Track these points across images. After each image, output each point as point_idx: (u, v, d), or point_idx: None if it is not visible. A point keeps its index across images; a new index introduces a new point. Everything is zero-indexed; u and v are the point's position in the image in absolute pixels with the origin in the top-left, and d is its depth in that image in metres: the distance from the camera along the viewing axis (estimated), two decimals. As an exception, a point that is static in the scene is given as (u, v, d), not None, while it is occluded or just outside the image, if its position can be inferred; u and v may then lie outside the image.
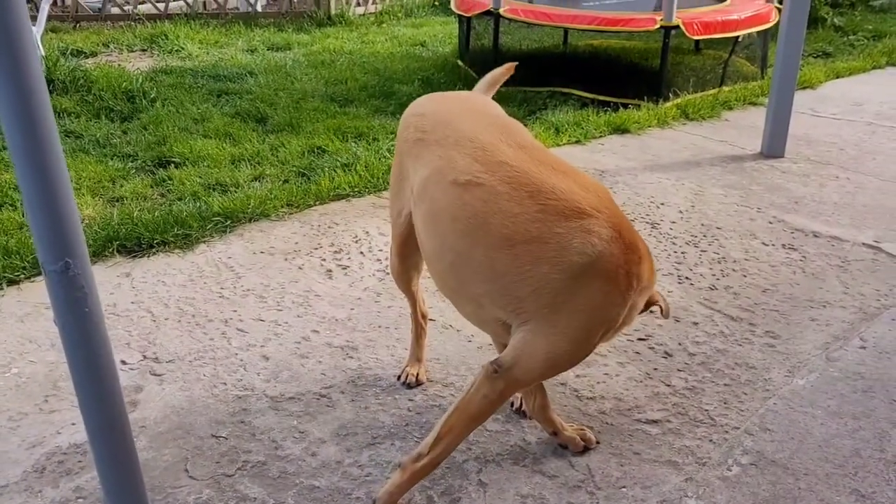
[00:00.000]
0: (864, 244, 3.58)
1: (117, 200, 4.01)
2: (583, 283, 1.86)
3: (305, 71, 6.53)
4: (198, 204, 3.82)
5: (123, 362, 2.68)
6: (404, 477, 2.04)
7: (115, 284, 3.16)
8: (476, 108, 2.30)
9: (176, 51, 7.38)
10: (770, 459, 2.18)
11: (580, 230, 1.88)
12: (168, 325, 2.91)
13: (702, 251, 3.53)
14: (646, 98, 5.67)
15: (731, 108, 5.75)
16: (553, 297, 1.87)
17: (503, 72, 2.63)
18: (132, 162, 4.50)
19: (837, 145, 4.97)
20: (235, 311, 3.00)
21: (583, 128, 5.08)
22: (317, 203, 3.97)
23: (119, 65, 6.59)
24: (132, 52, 7.51)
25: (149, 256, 3.38)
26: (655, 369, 2.69)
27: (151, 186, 4.19)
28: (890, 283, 3.23)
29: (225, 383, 2.59)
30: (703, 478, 2.14)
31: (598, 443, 2.32)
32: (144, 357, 2.72)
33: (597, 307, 1.89)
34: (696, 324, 2.96)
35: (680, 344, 2.83)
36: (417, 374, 2.59)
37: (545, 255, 1.88)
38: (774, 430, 2.30)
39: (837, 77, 6.69)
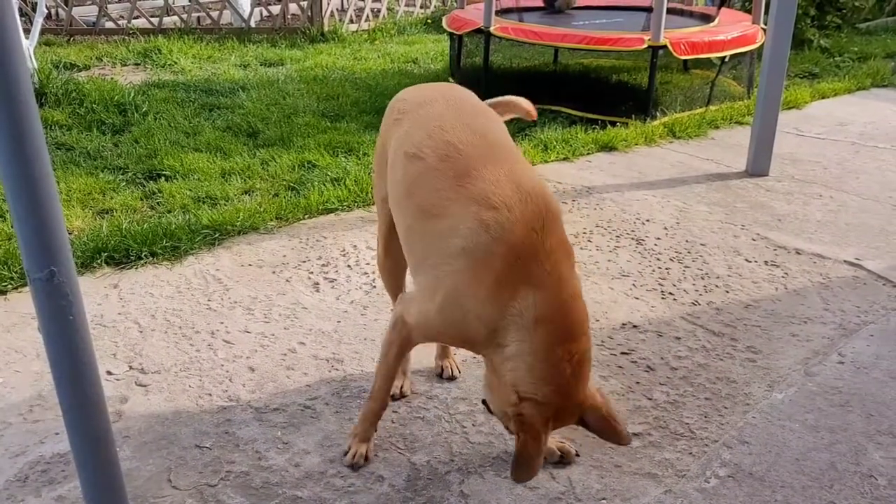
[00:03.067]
0: (845, 261, 3.62)
1: (107, 212, 4.03)
2: (459, 264, 1.98)
3: (298, 86, 6.58)
4: (187, 216, 3.84)
5: (109, 373, 2.70)
6: (361, 419, 2.33)
7: (102, 295, 3.18)
8: (454, 95, 2.41)
9: (169, 65, 7.42)
10: (747, 472, 2.21)
11: (475, 218, 1.99)
12: (155, 336, 2.92)
13: (686, 267, 3.57)
14: (633, 116, 5.73)
15: (717, 127, 5.82)
16: (439, 269, 2.02)
17: (525, 109, 2.73)
18: (122, 174, 4.52)
19: (821, 164, 5.03)
20: (222, 322, 3.02)
21: (571, 145, 5.14)
22: (306, 217, 3.99)
23: (112, 78, 6.62)
24: (125, 65, 7.55)
25: (137, 268, 3.40)
26: (637, 383, 2.72)
27: (141, 199, 4.21)
28: (870, 300, 3.27)
29: (210, 394, 2.61)
30: (682, 489, 2.16)
31: (577, 455, 2.34)
32: (130, 367, 2.73)
33: (461, 292, 1.99)
34: (678, 338, 3.00)
35: (662, 358, 2.86)
36: (402, 387, 2.61)
37: (441, 232, 2.03)
38: (752, 443, 2.33)
39: (823, 98, 6.77)
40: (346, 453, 2.32)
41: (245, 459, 2.32)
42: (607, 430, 2.01)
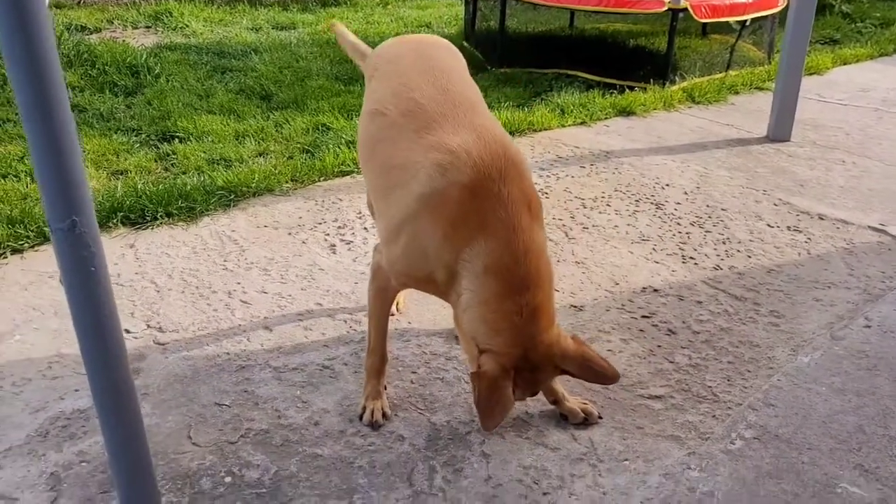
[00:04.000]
0: (869, 227, 3.57)
1: (121, 173, 4.00)
2: (417, 207, 1.99)
3: (310, 50, 6.50)
4: (202, 178, 3.81)
5: (127, 331, 2.68)
6: (367, 376, 2.34)
7: (119, 255, 3.16)
8: (427, 50, 2.42)
9: (180, 28, 7.34)
10: (773, 434, 2.18)
11: (432, 162, 1.99)
12: (172, 295, 2.90)
13: (706, 232, 3.52)
14: (652, 81, 5.64)
15: (737, 93, 5.72)
16: (401, 214, 2.03)
17: None
18: (136, 136, 4.48)
19: (843, 130, 4.95)
20: (239, 283, 3.00)
21: (588, 109, 5.06)
22: (321, 179, 3.95)
23: (123, 41, 6.56)
24: (136, 28, 7.47)
25: (153, 228, 3.38)
26: (659, 346, 2.69)
27: (155, 160, 4.18)
28: (895, 265, 3.22)
29: (228, 353, 2.59)
30: (706, 451, 2.14)
31: (600, 417, 2.32)
32: (148, 326, 2.72)
33: (420, 235, 2.00)
34: (700, 303, 2.96)
35: (684, 322, 2.83)
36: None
37: (402, 180, 2.04)
38: (778, 406, 2.30)
39: (844, 63, 6.66)
40: (361, 415, 2.30)
41: (265, 417, 2.31)
42: (591, 372, 2.01)
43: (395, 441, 2.23)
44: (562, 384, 2.34)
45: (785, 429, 2.20)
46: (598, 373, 2.00)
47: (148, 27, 7.52)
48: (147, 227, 3.38)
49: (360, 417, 2.31)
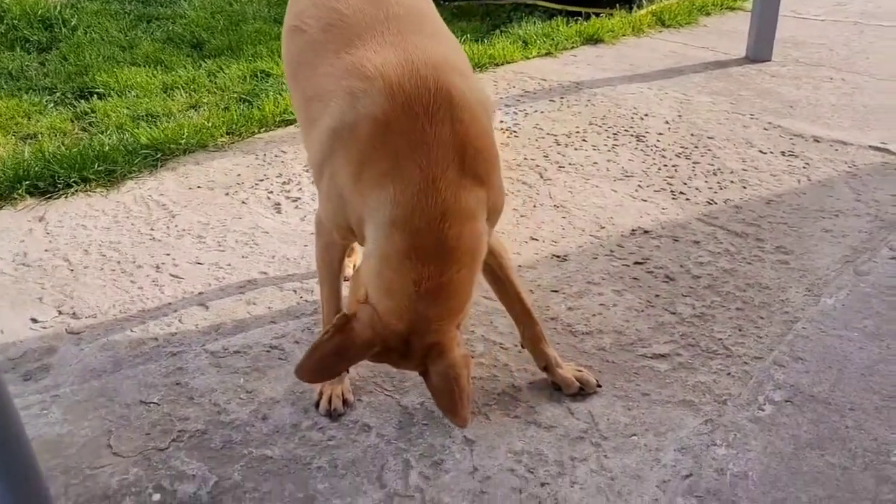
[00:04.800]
0: (870, 147, 3.24)
1: (32, 137, 3.50)
2: (329, 146, 1.67)
3: (245, -8, 5.94)
4: (124, 136, 3.34)
5: (34, 320, 2.26)
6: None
7: (25, 231, 2.71)
8: None
9: (101, -23, 6.69)
10: (808, 394, 1.85)
11: (344, 91, 1.64)
12: (88, 274, 2.48)
13: (694, 163, 3.16)
14: (617, 6, 5.22)
15: (708, 14, 5.34)
16: (321, 157, 1.71)
17: None
18: (50, 95, 3.96)
19: (826, 46, 4.60)
20: (169, 254, 2.58)
21: (553, 39, 4.64)
22: (261, 130, 3.51)
23: (36, -7, 5.93)
24: (53, -19, 6.80)
25: (66, 197, 2.92)
26: (657, 296, 2.35)
27: (71, 120, 3.68)
28: (905, 187, 2.91)
29: (156, 339, 2.19)
30: (733, 420, 1.80)
31: (599, 386, 1.97)
32: (60, 313, 2.30)
33: (334, 176, 1.68)
34: (697, 242, 2.62)
35: (682, 266, 2.49)
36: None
37: (319, 113, 1.72)
38: (808, 360, 1.97)
39: (816, -22, 6.29)
40: (317, 402, 1.93)
41: (201, 415, 1.92)
42: (447, 399, 1.57)
43: (359, 432, 1.87)
44: (557, 351, 1.99)
45: (820, 387, 1.87)
46: (452, 404, 1.56)
47: (65, -22, 6.85)
48: (59, 197, 2.92)
49: (317, 406, 1.93)
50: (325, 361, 1.58)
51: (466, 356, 1.60)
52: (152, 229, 2.72)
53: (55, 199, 2.90)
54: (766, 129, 3.45)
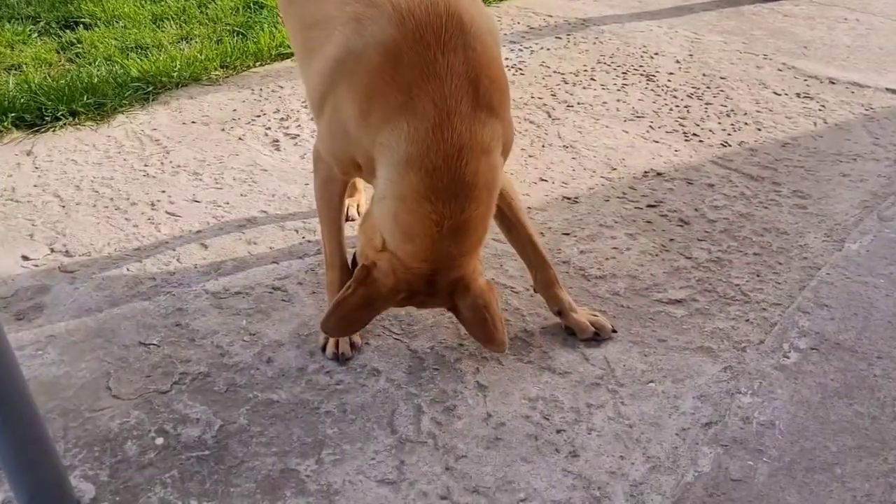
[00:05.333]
0: (887, 89, 3.15)
1: (15, 68, 3.34)
2: (334, 80, 1.59)
3: (236, -79, 5.68)
4: (113, 68, 3.19)
5: (25, 258, 2.17)
6: (329, 296, 1.90)
7: (13, 165, 2.59)
8: None
9: None
10: (834, 342, 1.80)
11: (350, 19, 1.56)
12: (81, 211, 2.38)
13: (707, 104, 3.06)
14: (624, -59, 5.02)
15: (717, -49, 5.15)
16: (322, 89, 1.64)
17: None
18: (33, 24, 3.77)
19: (840, -15, 4.46)
20: (164, 191, 2.48)
21: (557, -26, 4.46)
22: (257, 64, 3.37)
23: (16, -82, 5.65)
24: None
25: (55, 131, 2.79)
26: (672, 240, 2.28)
27: (57, 51, 3.51)
28: (923, 132, 2.83)
29: (154, 279, 2.11)
30: (758, 368, 1.75)
31: (614, 331, 1.91)
32: (52, 251, 2.20)
33: (338, 109, 1.60)
34: (711, 185, 2.53)
35: (696, 209, 2.41)
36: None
37: (319, 41, 1.64)
38: (833, 307, 1.91)
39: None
40: (324, 346, 1.86)
41: (203, 357, 1.85)
42: (481, 328, 1.60)
43: (368, 377, 1.80)
44: (570, 295, 1.93)
45: (846, 334, 1.81)
46: (487, 332, 1.60)
47: None
48: (48, 130, 2.79)
49: (323, 349, 1.87)
50: (352, 315, 1.57)
51: (490, 284, 1.60)
52: (146, 165, 2.61)
53: (43, 132, 2.78)
54: (780, 69, 3.34)
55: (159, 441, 1.64)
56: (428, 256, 1.49)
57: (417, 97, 1.47)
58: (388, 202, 1.53)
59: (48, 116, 2.82)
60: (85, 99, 2.89)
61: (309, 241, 2.26)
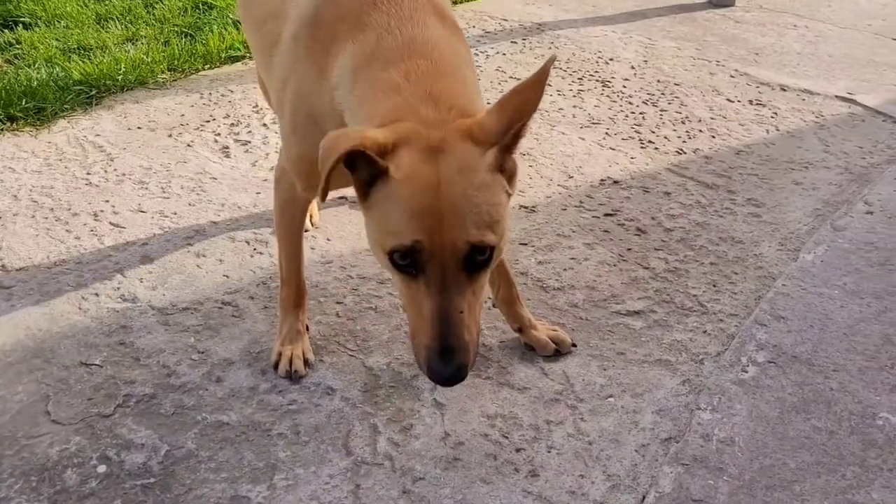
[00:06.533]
0: (836, 97, 3.19)
1: (-51, 69, 3.20)
2: (296, 50, 1.54)
3: (184, -83, 5.54)
4: (53, 70, 3.07)
5: (-42, 274, 2.06)
6: (281, 312, 1.85)
7: (-55, 174, 2.47)
8: None
9: None
10: (791, 355, 1.80)
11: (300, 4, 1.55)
12: (18, 222, 2.27)
13: (662, 111, 3.07)
14: (578, -56, 5.03)
15: (670, -44, 5.19)
16: (284, 75, 1.59)
17: None
18: (-31, 23, 3.63)
19: (789, -8, 4.53)
20: (108, 200, 2.38)
21: (512, -23, 4.44)
22: (206, 67, 3.27)
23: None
24: None
25: (-9, 137, 2.67)
26: (629, 249, 2.26)
27: (-6, 52, 3.37)
28: (872, 139, 2.87)
29: (97, 294, 2.02)
30: (717, 383, 1.74)
31: (574, 346, 1.89)
32: (-13, 265, 2.10)
33: (302, 92, 1.54)
34: (668, 194, 2.53)
35: (653, 218, 2.40)
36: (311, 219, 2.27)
37: (274, 33, 1.63)
38: (789, 319, 1.91)
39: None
40: (276, 363, 1.80)
41: (149, 378, 1.77)
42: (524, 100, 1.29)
43: (322, 396, 1.75)
44: (527, 307, 1.89)
45: (803, 347, 1.81)
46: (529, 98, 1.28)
47: None
48: (-17, 136, 2.67)
49: (276, 367, 1.80)
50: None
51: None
52: (88, 173, 2.51)
53: (-22, 138, 2.65)
54: (732, 76, 3.37)
55: (101, 469, 1.57)
56: (403, 111, 1.33)
57: (367, 21, 1.44)
58: (351, 98, 1.41)
59: (-16, 122, 2.69)
60: (24, 103, 2.77)
61: (260, 254, 2.19)
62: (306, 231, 2.23)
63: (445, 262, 1.24)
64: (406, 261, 1.26)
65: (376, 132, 1.27)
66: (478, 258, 1.27)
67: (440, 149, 1.26)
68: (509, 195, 1.33)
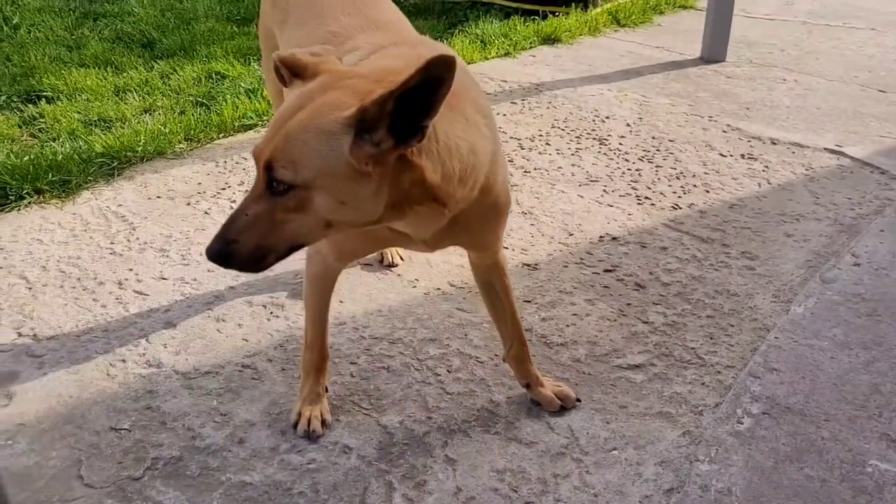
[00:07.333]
0: (825, 149, 3.32)
1: (-23, 145, 3.36)
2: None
3: (195, -12, 5.79)
4: (77, 143, 3.23)
5: (-8, 343, 2.17)
6: (303, 375, 1.94)
7: (-23, 247, 2.60)
8: None
9: (42, -29, 6.45)
10: (783, 406, 1.89)
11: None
12: (48, 292, 2.39)
13: (657, 167, 3.20)
14: (573, 5, 5.24)
15: (662, 13, 5.41)
16: None
17: None
18: (-6, 99, 3.81)
19: (778, 46, 4.70)
20: (131, 269, 2.50)
21: (511, 39, 4.64)
22: (220, 136, 3.43)
23: (-26, -12, 5.69)
24: (-10, -26, 6.54)
25: (19, 210, 2.80)
26: (629, 304, 2.37)
27: (19, 126, 3.54)
28: (861, 190, 2.99)
29: (124, 360, 2.12)
30: (714, 435, 1.83)
31: (578, 401, 1.98)
32: (19, 335, 2.21)
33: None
34: (664, 249, 2.65)
35: (651, 273, 2.51)
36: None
37: None
38: (782, 370, 2.00)
39: (764, -23, 6.42)
40: (295, 423, 1.90)
41: (175, 440, 1.87)
42: None
43: (340, 454, 1.84)
44: (536, 365, 1.99)
45: (795, 398, 1.91)
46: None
47: (4, -28, 6.59)
48: (12, 209, 2.80)
49: (295, 427, 1.90)
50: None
51: None
52: (112, 243, 2.64)
53: (7, 212, 2.79)
54: (724, 131, 3.51)
55: (133, 530, 1.66)
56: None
57: None
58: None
59: (13, 195, 2.83)
60: (49, 176, 2.91)
61: (277, 317, 2.30)
62: (394, 266, 2.48)
63: (259, 172, 1.38)
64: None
65: (306, 56, 1.45)
66: (273, 184, 1.35)
67: (328, 86, 1.38)
68: (355, 167, 1.32)
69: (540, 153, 3.30)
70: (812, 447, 1.75)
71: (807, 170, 3.15)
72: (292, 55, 1.45)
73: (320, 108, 1.34)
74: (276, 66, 1.46)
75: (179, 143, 3.32)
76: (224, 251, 1.41)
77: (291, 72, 1.43)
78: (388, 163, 1.35)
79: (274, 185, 1.35)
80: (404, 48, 1.65)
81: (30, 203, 2.84)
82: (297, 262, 2.49)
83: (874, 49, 4.70)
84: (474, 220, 1.62)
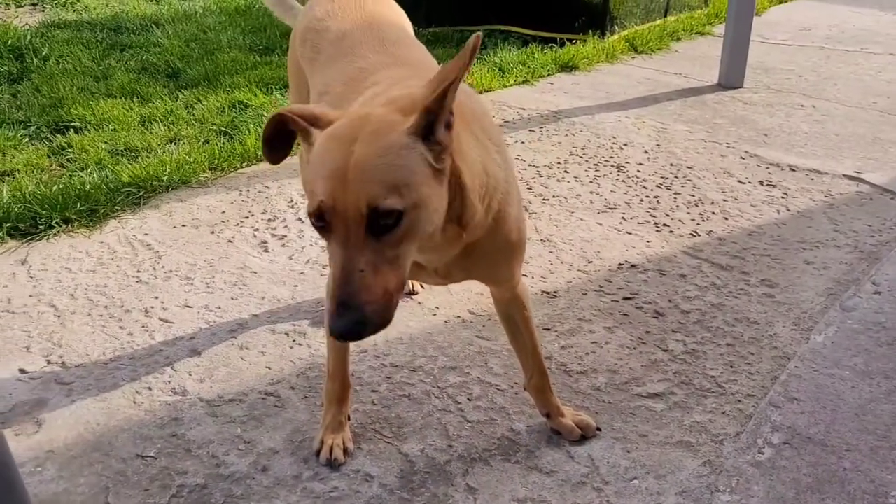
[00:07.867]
0: (844, 175, 3.33)
1: (7, 175, 3.44)
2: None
3: (219, 19, 5.91)
4: (104, 173, 3.30)
5: (23, 371, 2.22)
6: (326, 404, 1.96)
7: (8, 275, 2.66)
8: (375, 20, 2.13)
9: (70, 3, 6.62)
10: (805, 436, 1.89)
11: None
12: (76, 320, 2.44)
13: (676, 194, 3.22)
14: (591, 32, 5.29)
15: (679, 39, 5.45)
16: None
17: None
18: (24, 128, 3.90)
19: (795, 72, 4.72)
20: (157, 297, 2.55)
21: (529, 67, 4.69)
22: (243, 164, 3.49)
23: (4, 21, 5.85)
24: (20, 6, 6.71)
25: (48, 239, 2.87)
26: (648, 332, 2.38)
27: (48, 156, 3.62)
28: (881, 217, 2.99)
29: (150, 388, 2.16)
30: (735, 465, 1.83)
31: (598, 430, 1.99)
32: (48, 362, 2.26)
33: None
34: (683, 276, 2.66)
35: (670, 301, 2.52)
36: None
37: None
38: (802, 400, 2.00)
39: (781, 2, 6.45)
40: (318, 451, 1.92)
41: (200, 468, 1.90)
42: None
43: (361, 482, 1.86)
44: (556, 393, 2.01)
45: (816, 428, 1.91)
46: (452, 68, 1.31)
47: (33, 4, 6.76)
48: (41, 238, 2.87)
49: (317, 455, 1.92)
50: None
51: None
52: (139, 271, 2.69)
53: (37, 240, 2.85)
54: (742, 157, 3.52)
55: (159, 557, 1.68)
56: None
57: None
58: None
59: (42, 224, 2.90)
60: (78, 206, 2.98)
61: (299, 345, 2.33)
62: (414, 294, 2.51)
63: (349, 223, 1.28)
64: (321, 222, 1.31)
65: (315, 107, 1.44)
66: (381, 221, 1.27)
67: (364, 117, 1.35)
68: (436, 168, 1.33)
69: (558, 181, 3.33)
70: (834, 478, 1.74)
71: (826, 196, 3.15)
72: (301, 109, 1.43)
73: (377, 133, 1.31)
74: (291, 119, 1.41)
75: (203, 172, 3.39)
76: (359, 321, 1.29)
77: (309, 122, 1.41)
78: (448, 159, 1.37)
79: (381, 222, 1.28)
80: (415, 80, 1.70)
81: (58, 232, 2.90)
82: (318, 290, 2.55)
83: (893, 74, 4.70)
84: (487, 252, 1.64)
